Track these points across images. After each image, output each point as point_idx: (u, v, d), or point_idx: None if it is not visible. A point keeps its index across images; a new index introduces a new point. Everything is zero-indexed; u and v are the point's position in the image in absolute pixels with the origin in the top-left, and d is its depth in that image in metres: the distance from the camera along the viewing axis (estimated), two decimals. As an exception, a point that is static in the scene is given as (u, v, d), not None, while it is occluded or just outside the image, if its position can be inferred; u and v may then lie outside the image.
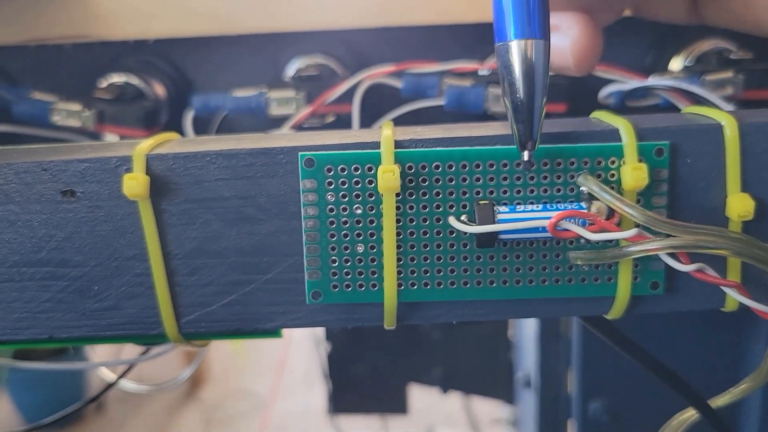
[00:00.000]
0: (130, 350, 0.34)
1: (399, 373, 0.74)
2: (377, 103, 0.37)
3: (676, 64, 0.39)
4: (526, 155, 0.22)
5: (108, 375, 0.43)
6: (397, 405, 0.76)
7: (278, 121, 0.37)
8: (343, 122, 0.37)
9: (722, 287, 0.23)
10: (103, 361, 0.33)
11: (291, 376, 1.73)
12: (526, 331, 0.58)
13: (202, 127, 0.40)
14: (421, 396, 0.78)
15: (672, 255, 0.23)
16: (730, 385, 0.28)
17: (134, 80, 0.39)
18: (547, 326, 0.53)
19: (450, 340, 0.71)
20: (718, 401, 0.29)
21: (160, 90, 0.40)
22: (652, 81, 0.34)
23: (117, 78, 0.40)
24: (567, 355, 0.51)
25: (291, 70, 0.40)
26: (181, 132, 0.39)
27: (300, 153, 0.24)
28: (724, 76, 0.35)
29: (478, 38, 0.40)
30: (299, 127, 0.37)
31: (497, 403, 0.75)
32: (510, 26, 0.22)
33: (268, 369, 1.81)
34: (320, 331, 0.76)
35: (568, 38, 0.27)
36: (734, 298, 0.23)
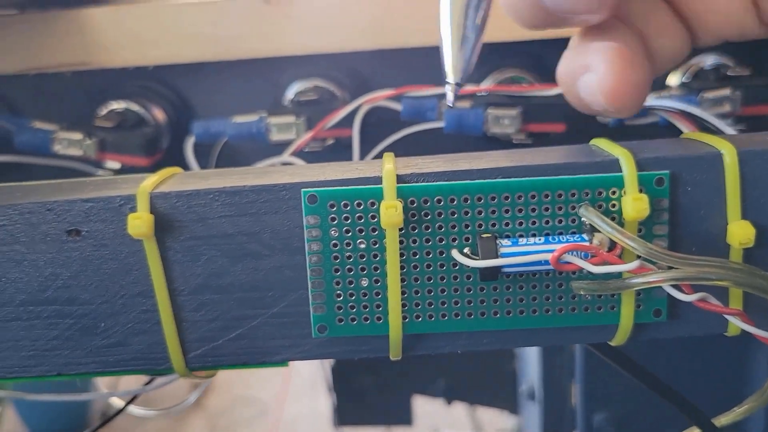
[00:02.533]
0: (135, 378, 0.34)
1: (403, 385, 0.74)
2: (377, 127, 0.38)
3: (673, 80, 0.39)
4: (447, 89, 0.23)
5: (114, 400, 0.43)
6: (401, 416, 0.76)
7: (279, 147, 0.37)
8: (343, 146, 0.38)
9: (725, 315, 0.24)
10: (109, 392, 0.33)
11: (297, 382, 1.73)
12: (530, 344, 0.58)
13: (203, 152, 0.40)
14: (425, 407, 0.79)
15: (675, 286, 0.23)
16: (734, 404, 0.29)
17: (134, 107, 0.40)
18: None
19: (454, 352, 0.71)
20: (722, 420, 0.30)
21: (160, 116, 0.40)
22: (652, 101, 0.34)
23: (117, 105, 0.40)
24: (570, 368, 0.51)
25: (290, 93, 0.40)
26: (183, 158, 0.40)
27: (303, 189, 0.24)
28: (722, 94, 0.36)
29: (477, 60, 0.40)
30: (300, 153, 0.37)
31: (502, 413, 0.75)
32: None
33: (273, 376, 1.81)
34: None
35: (595, 75, 0.24)
36: (736, 325, 0.24)
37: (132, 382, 0.35)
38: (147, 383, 0.33)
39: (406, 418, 0.76)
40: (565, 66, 0.26)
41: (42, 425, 1.39)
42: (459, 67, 0.22)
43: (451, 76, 0.23)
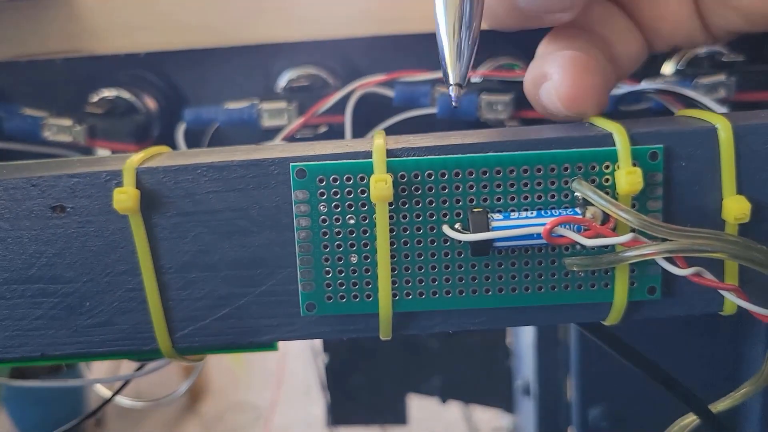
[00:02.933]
0: (126, 366, 0.34)
1: (398, 384, 0.74)
2: (369, 113, 0.37)
3: (668, 68, 0.39)
4: (450, 90, 0.23)
5: (105, 391, 0.43)
6: (396, 415, 0.75)
7: (271, 133, 0.37)
8: (335, 133, 0.37)
9: (720, 291, 0.23)
10: (98, 378, 0.32)
11: (290, 387, 1.72)
12: (525, 339, 0.58)
13: (194, 140, 0.40)
14: (420, 406, 0.78)
15: (669, 259, 0.22)
16: (731, 388, 0.28)
17: (125, 94, 0.39)
18: (546, 333, 0.53)
19: (448, 349, 0.71)
20: (719, 406, 0.29)
21: (151, 103, 0.40)
22: (645, 85, 0.34)
23: (108, 92, 0.39)
24: (566, 362, 0.51)
25: (283, 81, 0.40)
26: (174, 145, 0.39)
27: (291, 164, 0.24)
28: (717, 79, 0.35)
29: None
30: (291, 138, 0.36)
31: (497, 412, 0.74)
32: None
33: (267, 381, 1.80)
34: (318, 343, 0.76)
35: (551, 82, 0.25)
36: (732, 301, 0.23)
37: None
38: (137, 369, 0.33)
39: (400, 417, 0.75)
40: (528, 75, 0.27)
41: (33, 428, 1.38)
42: (458, 72, 0.23)
43: (452, 79, 0.23)
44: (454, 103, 0.25)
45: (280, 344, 0.27)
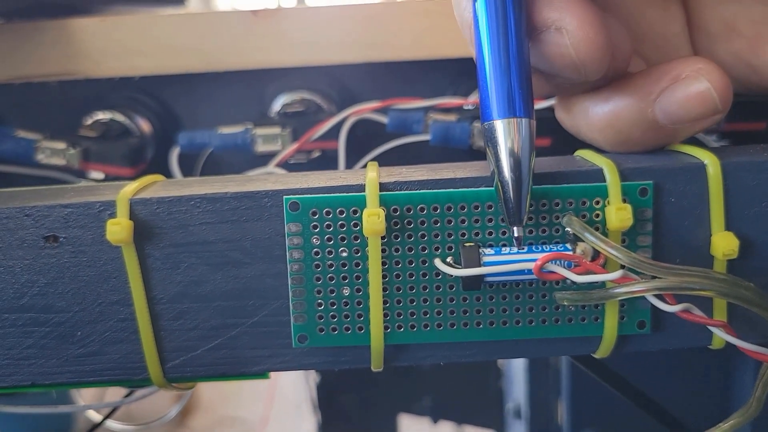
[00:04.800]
0: (115, 391, 0.34)
1: (389, 403, 0.74)
2: (363, 139, 0.38)
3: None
4: (515, 231, 0.23)
5: (95, 415, 0.43)
6: (387, 435, 0.75)
7: (264, 158, 0.37)
8: (329, 158, 0.38)
9: (708, 327, 0.23)
10: (88, 405, 0.32)
11: (281, 404, 1.71)
12: (516, 362, 0.58)
13: (188, 163, 0.40)
14: (411, 426, 0.78)
15: (658, 296, 0.23)
16: (723, 417, 0.28)
17: (119, 117, 0.39)
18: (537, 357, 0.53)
19: (439, 369, 0.71)
20: (707, 437, 0.29)
21: (145, 127, 0.40)
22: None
23: (102, 115, 0.40)
24: (557, 386, 0.51)
25: (277, 106, 0.40)
26: (167, 169, 0.39)
27: (285, 197, 0.24)
28: (707, 110, 0.36)
29: (463, 73, 0.40)
30: (285, 164, 0.37)
31: (488, 433, 0.74)
32: (494, 106, 0.22)
33: (258, 397, 1.79)
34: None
35: (565, 32, 0.22)
36: (720, 337, 0.23)
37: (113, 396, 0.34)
38: (126, 395, 0.33)
39: (391, 437, 0.75)
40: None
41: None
42: (521, 216, 0.22)
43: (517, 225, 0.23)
44: (519, 243, 0.23)
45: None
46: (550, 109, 0.36)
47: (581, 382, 0.49)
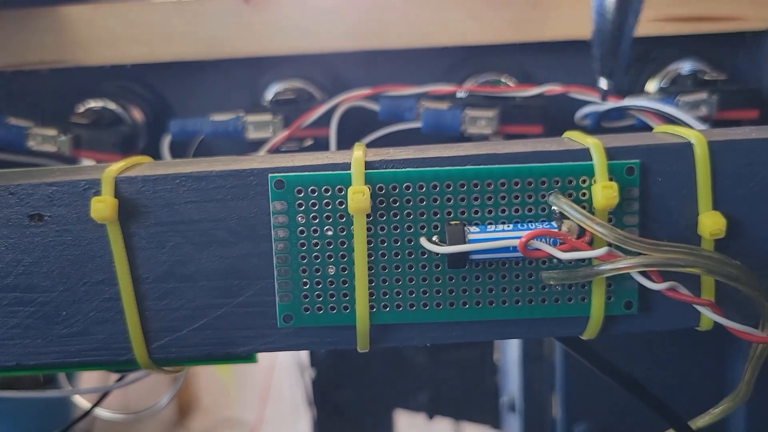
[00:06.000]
0: (111, 378, 0.33)
1: (385, 399, 0.73)
2: (355, 127, 0.37)
3: (652, 86, 0.39)
4: (602, 83, 0.22)
5: (86, 405, 0.42)
6: (383, 431, 0.75)
7: (255, 145, 0.37)
8: (320, 146, 0.37)
9: (695, 306, 0.23)
10: (77, 389, 0.32)
11: (277, 403, 1.71)
12: (510, 355, 0.58)
13: (179, 151, 0.40)
14: (407, 421, 0.77)
15: (644, 274, 0.23)
16: (716, 402, 0.28)
17: (111, 105, 0.39)
18: (530, 349, 0.52)
19: (436, 364, 0.70)
20: (699, 422, 0.29)
21: (137, 114, 0.40)
22: (627, 102, 0.34)
23: (94, 103, 0.39)
24: (551, 379, 0.50)
25: (269, 94, 0.40)
26: (159, 157, 0.39)
27: (270, 175, 0.24)
28: (699, 97, 0.36)
29: (455, 61, 0.40)
30: (276, 151, 0.36)
31: (485, 429, 0.74)
32: None
33: (255, 397, 1.79)
34: (305, 357, 0.75)
35: None
36: (708, 317, 0.23)
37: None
38: (117, 381, 0.33)
39: (387, 434, 0.75)
40: None
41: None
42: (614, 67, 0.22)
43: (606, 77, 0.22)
44: (604, 95, 0.23)
45: (267, 359, 0.27)
46: (542, 97, 0.36)
47: (575, 376, 0.49)
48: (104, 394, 0.35)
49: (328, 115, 0.37)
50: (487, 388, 0.68)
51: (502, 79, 0.39)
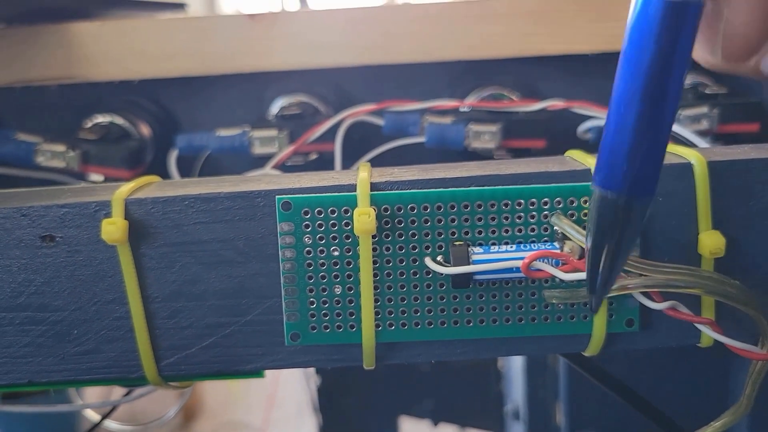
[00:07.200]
0: (117, 391, 0.34)
1: (389, 406, 0.74)
2: (359, 141, 0.38)
3: (653, 98, 0.39)
4: (592, 301, 0.22)
5: (96, 416, 0.43)
6: (388, 438, 0.75)
7: (261, 160, 0.38)
8: (325, 160, 0.38)
9: (696, 324, 0.24)
10: (87, 403, 0.32)
11: (283, 408, 1.71)
12: (514, 363, 0.58)
13: (186, 166, 0.40)
14: (412, 428, 0.78)
15: (645, 294, 0.23)
16: (718, 414, 0.28)
17: (119, 120, 0.40)
18: (535, 358, 0.53)
19: (440, 371, 0.71)
20: (700, 435, 0.29)
21: (144, 130, 0.40)
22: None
23: (102, 118, 0.40)
24: (555, 387, 0.51)
25: (275, 108, 0.40)
26: (166, 172, 0.40)
27: (277, 196, 0.24)
28: (700, 111, 0.36)
29: (459, 76, 0.40)
30: (282, 166, 0.37)
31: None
32: (630, 177, 0.19)
33: (260, 401, 1.79)
34: (310, 364, 0.76)
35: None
36: (708, 335, 0.24)
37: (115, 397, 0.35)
38: (125, 395, 0.33)
39: (392, 440, 0.75)
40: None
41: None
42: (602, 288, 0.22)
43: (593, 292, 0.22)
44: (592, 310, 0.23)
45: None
46: (545, 112, 0.37)
47: (579, 384, 0.49)
48: (113, 408, 0.35)
49: (333, 130, 0.37)
50: (491, 395, 0.69)
51: (506, 94, 0.39)
